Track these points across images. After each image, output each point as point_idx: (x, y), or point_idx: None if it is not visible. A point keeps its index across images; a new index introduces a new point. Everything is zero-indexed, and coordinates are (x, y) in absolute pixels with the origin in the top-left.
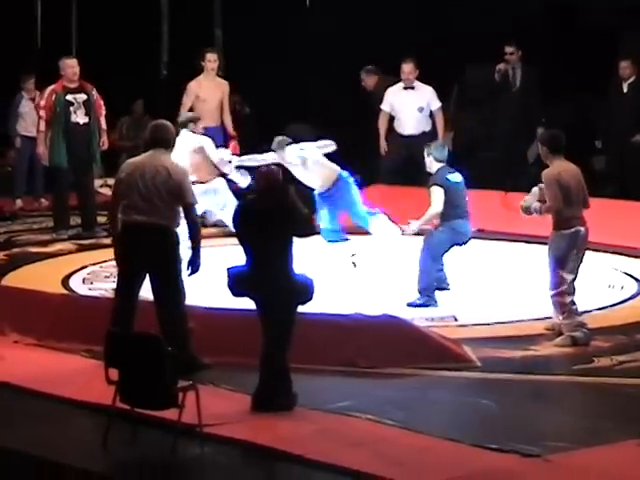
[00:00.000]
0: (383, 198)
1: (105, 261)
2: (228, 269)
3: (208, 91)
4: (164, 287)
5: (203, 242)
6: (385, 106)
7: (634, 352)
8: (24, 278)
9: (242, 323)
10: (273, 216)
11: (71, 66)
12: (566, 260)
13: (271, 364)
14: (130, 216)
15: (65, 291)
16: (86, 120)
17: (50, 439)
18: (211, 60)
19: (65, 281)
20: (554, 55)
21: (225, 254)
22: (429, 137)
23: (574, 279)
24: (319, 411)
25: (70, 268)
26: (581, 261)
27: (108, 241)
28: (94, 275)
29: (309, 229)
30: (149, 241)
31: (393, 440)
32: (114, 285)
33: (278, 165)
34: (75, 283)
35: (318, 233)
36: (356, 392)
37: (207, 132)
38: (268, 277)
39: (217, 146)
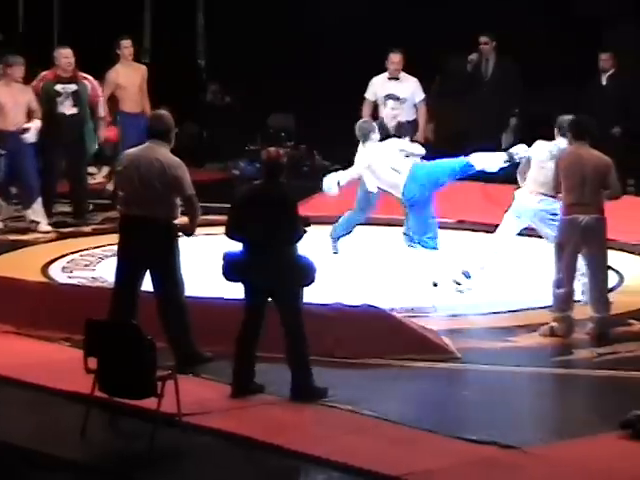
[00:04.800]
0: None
1: (85, 249)
2: (224, 254)
3: (127, 78)
4: (163, 280)
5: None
6: (369, 95)
7: (613, 344)
8: (3, 266)
9: (222, 312)
10: (276, 202)
11: (66, 56)
12: (563, 248)
13: (295, 353)
14: (128, 209)
15: (45, 279)
16: (74, 111)
17: (29, 428)
18: (127, 46)
19: (45, 269)
20: (538, 46)
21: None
22: (411, 127)
23: (572, 271)
24: (297, 401)
25: (50, 256)
26: (591, 254)
27: (88, 229)
28: (74, 263)
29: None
30: (147, 235)
31: (371, 431)
32: (94, 274)
33: None
34: (55, 271)
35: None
36: (335, 382)
37: (131, 118)
38: (267, 262)
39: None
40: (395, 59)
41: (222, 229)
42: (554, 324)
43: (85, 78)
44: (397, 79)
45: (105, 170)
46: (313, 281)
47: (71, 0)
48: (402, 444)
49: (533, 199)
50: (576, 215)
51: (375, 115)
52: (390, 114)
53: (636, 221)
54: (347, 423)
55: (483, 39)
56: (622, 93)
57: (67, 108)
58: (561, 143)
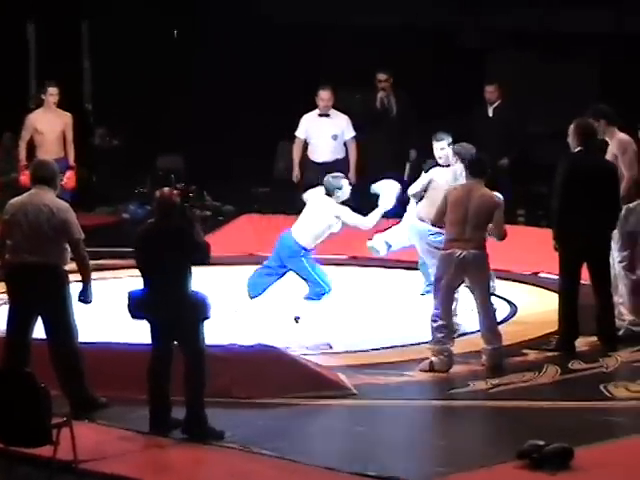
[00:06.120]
0: (255, 227)
1: None
2: (129, 292)
3: (46, 124)
4: (55, 326)
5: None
6: (300, 133)
7: (509, 374)
8: None
9: (116, 356)
10: (169, 239)
11: None
12: (439, 282)
13: (192, 393)
14: (16, 256)
15: None
16: None
17: None
18: (53, 93)
19: None
20: (429, 80)
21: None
22: (342, 164)
23: (449, 305)
24: (194, 442)
25: None
26: (474, 288)
27: None
28: None
29: (205, 256)
30: (37, 281)
31: (269, 470)
32: None
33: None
34: None
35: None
36: (231, 423)
37: None
38: (166, 299)
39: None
40: (325, 96)
41: (115, 273)
42: (433, 359)
43: None
44: (328, 115)
45: None
46: (207, 317)
47: None
48: None
49: (424, 225)
50: (454, 250)
51: (303, 154)
52: (437, 154)
53: (527, 251)
54: (244, 463)
55: (382, 76)
56: (508, 124)
57: None
58: (459, 168)
